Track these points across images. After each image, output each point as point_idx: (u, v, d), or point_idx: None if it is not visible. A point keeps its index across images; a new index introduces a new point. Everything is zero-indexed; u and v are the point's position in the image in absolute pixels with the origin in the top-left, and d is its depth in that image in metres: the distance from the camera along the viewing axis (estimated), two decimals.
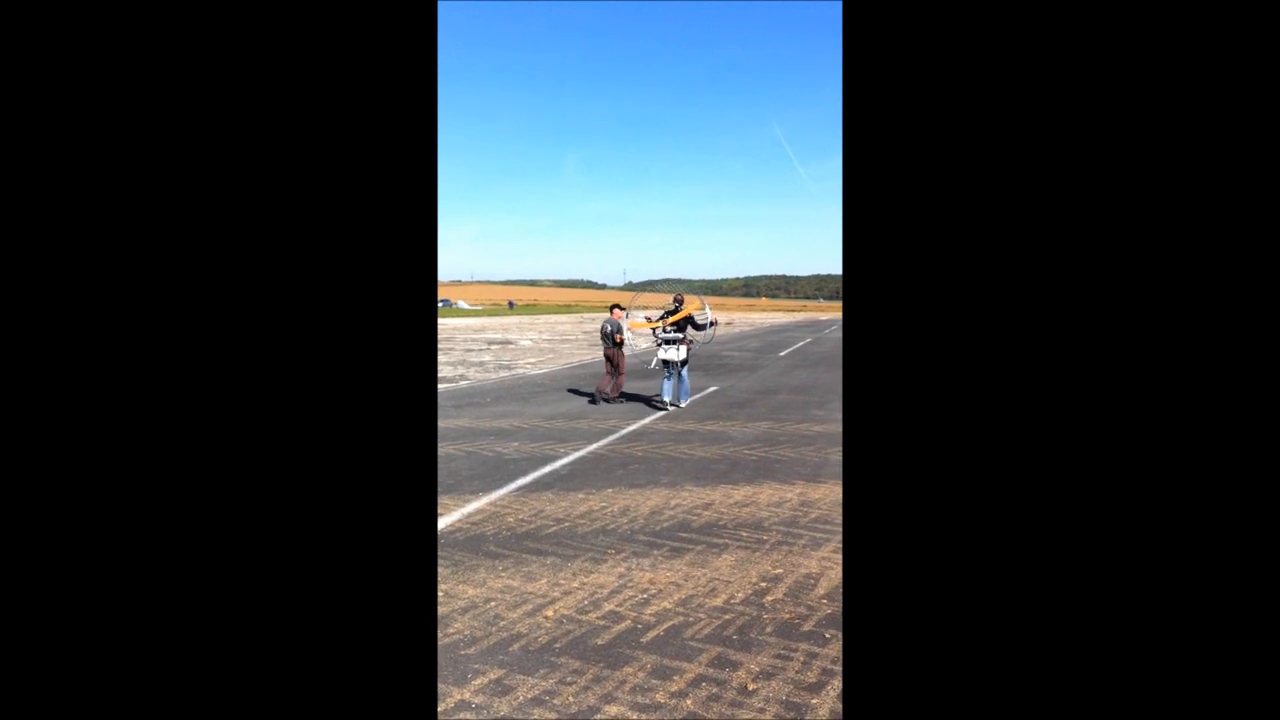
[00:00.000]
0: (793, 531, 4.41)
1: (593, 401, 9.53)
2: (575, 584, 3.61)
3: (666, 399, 8.91)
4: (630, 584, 3.62)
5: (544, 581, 3.64)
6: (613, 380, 9.58)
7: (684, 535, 4.34)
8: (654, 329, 9.02)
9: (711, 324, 9.30)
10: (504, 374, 13.33)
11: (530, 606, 3.35)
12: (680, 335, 8.81)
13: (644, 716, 2.47)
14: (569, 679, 2.72)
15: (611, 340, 9.49)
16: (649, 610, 3.32)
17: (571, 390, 10.92)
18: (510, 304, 64.90)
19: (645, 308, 11.36)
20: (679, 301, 9.11)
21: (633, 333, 9.40)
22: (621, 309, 9.73)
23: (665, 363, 8.90)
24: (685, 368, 9.00)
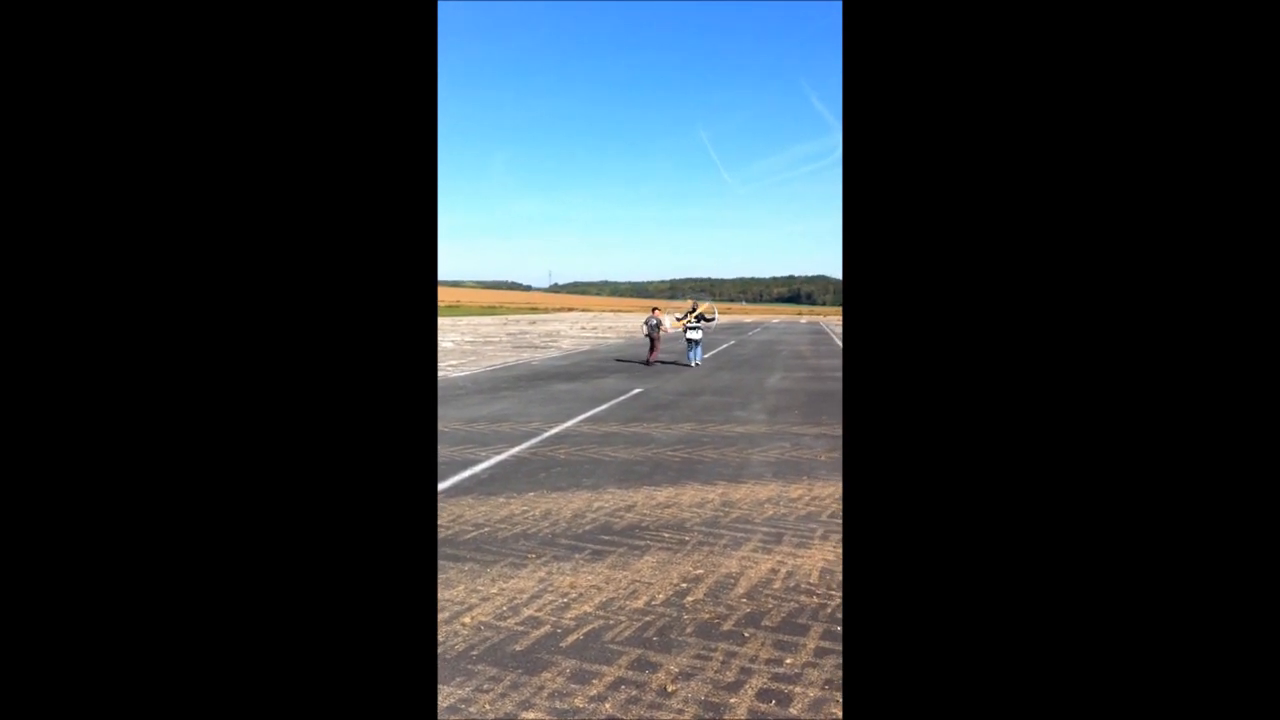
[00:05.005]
0: (714, 532, 4.46)
1: (645, 364, 15.63)
2: (494, 590, 3.55)
3: (691, 361, 15.65)
4: (550, 588, 3.58)
5: (461, 588, 3.56)
6: (653, 353, 16.00)
7: (606, 538, 4.33)
8: (684, 326, 15.90)
9: (714, 318, 16.56)
10: None
11: (447, 614, 3.27)
12: (698, 324, 15.83)
13: None
14: (485, 686, 2.66)
15: (655, 330, 15.84)
16: (569, 614, 3.29)
17: (494, 392, 10.76)
18: None
19: (667, 311, 17.71)
20: (695, 305, 16.51)
21: (669, 330, 16.22)
22: (658, 310, 16.43)
23: (690, 340, 15.72)
24: (699, 344, 15.86)
